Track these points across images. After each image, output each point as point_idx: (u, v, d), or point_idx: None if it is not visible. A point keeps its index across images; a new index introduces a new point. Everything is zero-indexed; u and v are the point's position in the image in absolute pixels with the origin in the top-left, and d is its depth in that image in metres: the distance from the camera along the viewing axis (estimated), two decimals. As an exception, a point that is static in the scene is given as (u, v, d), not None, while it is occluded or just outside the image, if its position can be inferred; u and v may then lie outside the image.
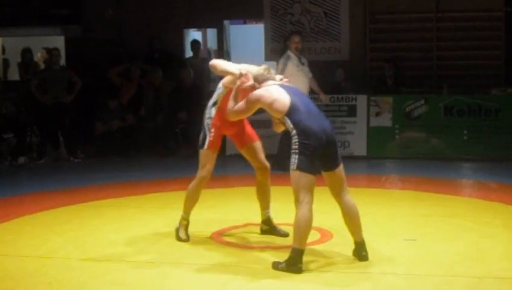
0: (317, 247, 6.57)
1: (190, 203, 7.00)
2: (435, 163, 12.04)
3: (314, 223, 7.06)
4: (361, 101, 12.92)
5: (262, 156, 6.96)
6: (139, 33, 14.89)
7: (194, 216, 7.40)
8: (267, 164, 6.96)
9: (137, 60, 14.49)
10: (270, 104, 6.05)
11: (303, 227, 5.77)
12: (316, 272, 5.82)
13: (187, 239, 6.93)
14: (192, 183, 6.93)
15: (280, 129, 6.46)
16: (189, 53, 15.31)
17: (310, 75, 11.41)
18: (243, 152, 7.00)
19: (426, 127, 12.67)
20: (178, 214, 8.09)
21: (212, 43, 16.59)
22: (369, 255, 6.13)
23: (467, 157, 12.36)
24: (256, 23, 15.87)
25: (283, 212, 7.16)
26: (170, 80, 14.03)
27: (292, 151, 5.85)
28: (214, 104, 6.82)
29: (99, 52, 14.86)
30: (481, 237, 6.87)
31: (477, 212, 8.15)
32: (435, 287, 5.38)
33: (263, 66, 6.46)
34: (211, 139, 6.78)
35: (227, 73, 6.60)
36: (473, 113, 12.56)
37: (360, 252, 6.11)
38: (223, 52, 15.73)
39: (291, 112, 5.93)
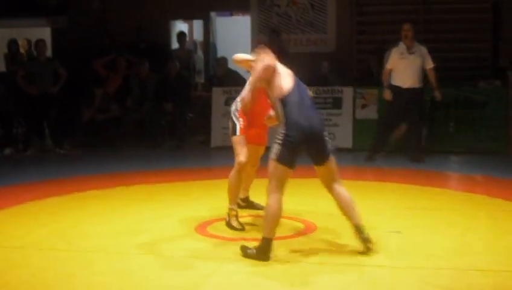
0: (301, 238, 6.57)
1: (234, 193, 7.00)
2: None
3: (299, 215, 7.12)
4: (347, 93, 12.91)
5: (259, 157, 7.24)
6: (125, 24, 14.86)
7: (178, 208, 7.39)
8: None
9: (124, 51, 14.45)
10: (274, 75, 5.96)
11: (271, 217, 5.83)
12: (300, 263, 5.81)
13: (242, 228, 6.91)
14: (232, 173, 6.90)
15: (272, 123, 6.41)
16: (175, 45, 15.29)
17: (431, 65, 11.42)
18: (253, 148, 7.03)
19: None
20: (163, 205, 8.14)
21: (198, 34, 16.57)
22: (354, 247, 6.14)
23: (453, 150, 12.37)
24: (243, 15, 15.85)
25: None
26: (156, 71, 14.01)
27: (276, 140, 5.87)
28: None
29: (86, 43, 14.82)
30: (466, 230, 6.88)
31: (462, 205, 8.16)
32: (419, 280, 5.38)
33: None
34: (241, 126, 6.83)
35: (244, 62, 6.62)
36: (459, 105, 12.56)
37: (361, 234, 6.02)
38: (208, 44, 15.72)
39: (286, 99, 5.89)
